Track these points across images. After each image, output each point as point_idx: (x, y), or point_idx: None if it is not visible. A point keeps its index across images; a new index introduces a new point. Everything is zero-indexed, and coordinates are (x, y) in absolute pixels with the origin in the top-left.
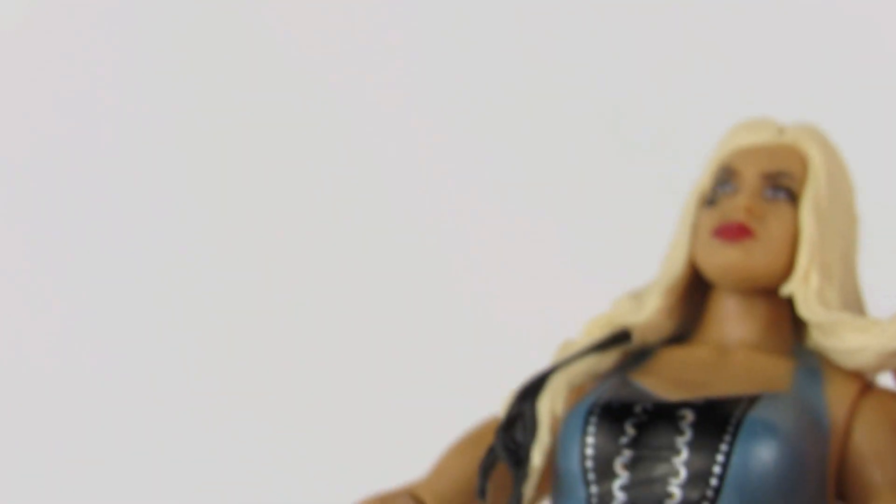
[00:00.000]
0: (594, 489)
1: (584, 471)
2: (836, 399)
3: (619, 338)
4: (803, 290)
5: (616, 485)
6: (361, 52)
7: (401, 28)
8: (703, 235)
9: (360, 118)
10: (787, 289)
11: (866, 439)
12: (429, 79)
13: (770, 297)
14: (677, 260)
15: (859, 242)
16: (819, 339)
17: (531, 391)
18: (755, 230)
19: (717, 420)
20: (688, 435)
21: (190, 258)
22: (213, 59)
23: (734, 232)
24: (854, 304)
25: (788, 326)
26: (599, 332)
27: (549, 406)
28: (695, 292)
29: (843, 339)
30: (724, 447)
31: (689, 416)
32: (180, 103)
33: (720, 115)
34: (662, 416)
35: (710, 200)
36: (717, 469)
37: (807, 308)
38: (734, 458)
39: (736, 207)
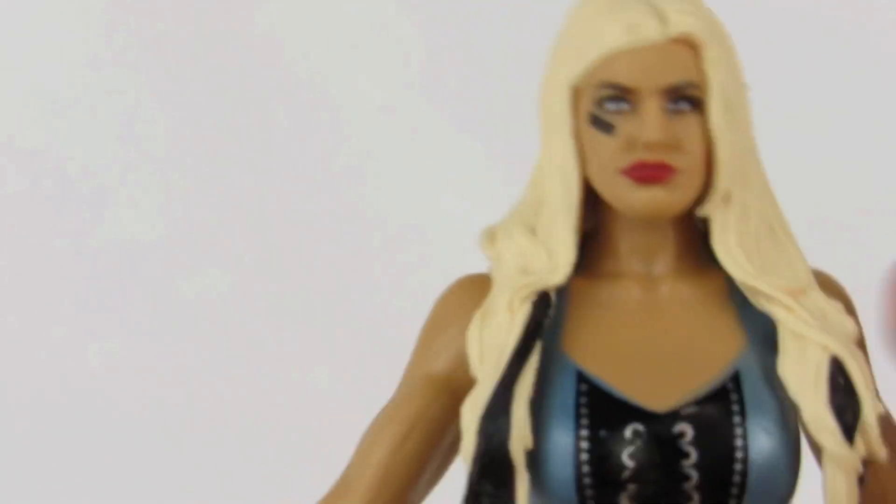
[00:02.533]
0: None
1: None
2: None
3: (544, 313)
4: (722, 213)
5: None
6: None
7: None
8: (608, 169)
9: None
10: (704, 211)
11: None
12: None
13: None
14: (571, 189)
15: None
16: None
17: (497, 429)
18: (674, 164)
19: (719, 437)
20: (693, 456)
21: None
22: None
23: (654, 173)
24: (763, 191)
25: (698, 233)
26: (521, 305)
27: (520, 445)
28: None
29: (763, 302)
30: (738, 453)
31: (688, 432)
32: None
33: None
34: (660, 442)
35: (600, 122)
36: (734, 494)
37: (732, 263)
38: (751, 465)
39: (647, 144)
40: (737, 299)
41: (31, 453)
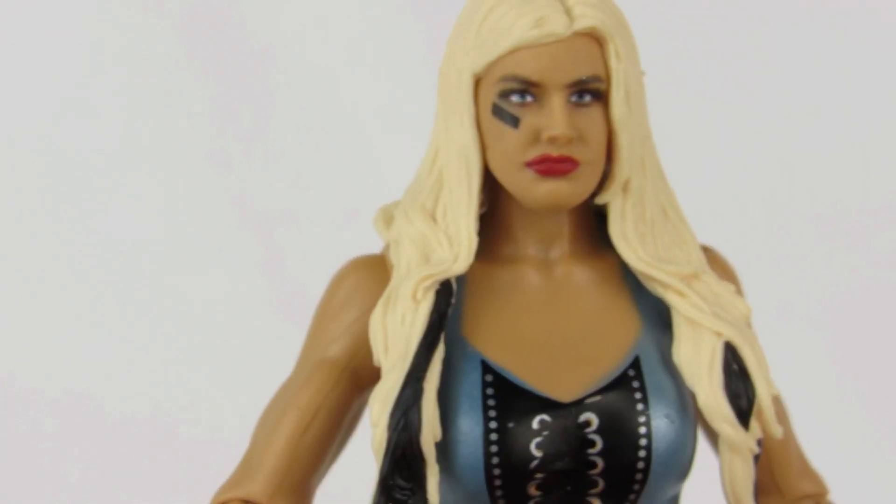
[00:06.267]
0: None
1: (494, 498)
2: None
3: (447, 303)
4: (620, 201)
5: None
6: None
7: None
8: (513, 162)
9: None
10: (603, 199)
11: None
12: None
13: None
14: (473, 177)
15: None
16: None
17: (407, 423)
18: (577, 157)
19: (624, 425)
20: (599, 445)
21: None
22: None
23: (558, 167)
24: (658, 177)
25: (592, 215)
26: (425, 295)
27: (431, 438)
28: None
29: (657, 288)
30: (642, 441)
31: (594, 421)
32: None
33: None
34: (566, 431)
35: (505, 114)
36: (637, 480)
37: (627, 249)
38: (654, 452)
39: (552, 138)
40: (630, 280)
41: (30, 453)
